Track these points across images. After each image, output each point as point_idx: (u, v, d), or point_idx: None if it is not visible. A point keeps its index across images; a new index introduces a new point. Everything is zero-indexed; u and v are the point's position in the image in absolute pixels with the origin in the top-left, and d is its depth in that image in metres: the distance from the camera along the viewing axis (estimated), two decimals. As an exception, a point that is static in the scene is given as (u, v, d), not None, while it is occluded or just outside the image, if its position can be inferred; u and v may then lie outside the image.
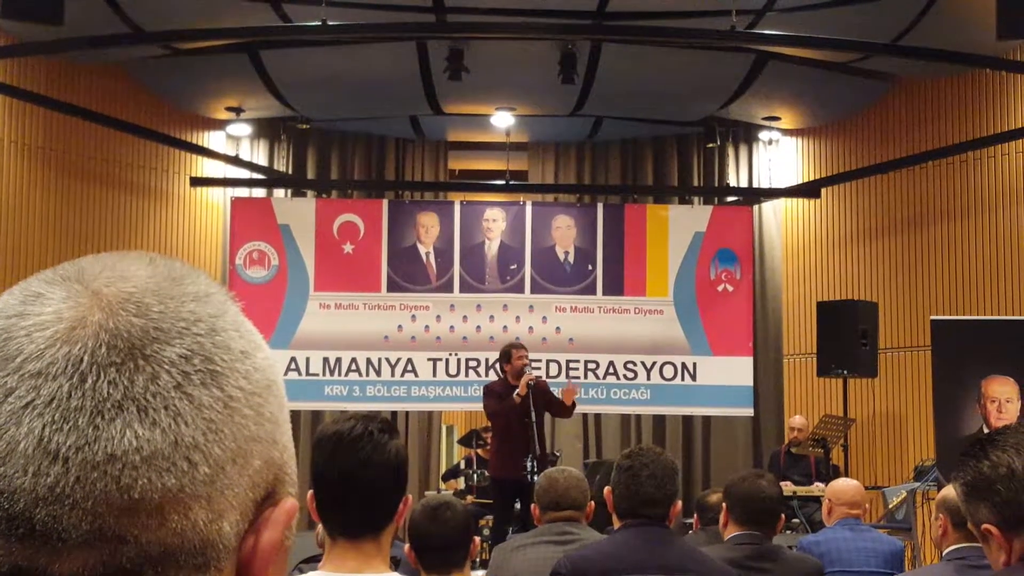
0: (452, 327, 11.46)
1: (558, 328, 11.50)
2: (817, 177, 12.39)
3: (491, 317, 11.50)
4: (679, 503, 3.72)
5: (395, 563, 2.79)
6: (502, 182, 12.54)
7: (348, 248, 11.55)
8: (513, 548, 4.32)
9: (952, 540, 4.12)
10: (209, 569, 0.64)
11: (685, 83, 11.41)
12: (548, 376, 10.86)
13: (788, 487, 9.72)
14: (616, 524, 3.72)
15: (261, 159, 12.71)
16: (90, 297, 0.64)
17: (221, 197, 12.32)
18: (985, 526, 2.26)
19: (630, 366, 11.45)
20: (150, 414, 0.62)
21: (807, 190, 12.28)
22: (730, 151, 12.88)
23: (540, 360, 10.92)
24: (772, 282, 12.63)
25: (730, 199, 12.70)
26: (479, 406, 9.23)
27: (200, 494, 0.63)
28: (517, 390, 8.53)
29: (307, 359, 11.20)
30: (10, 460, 0.61)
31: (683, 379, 11.46)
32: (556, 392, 9.27)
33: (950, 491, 4.30)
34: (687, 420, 12.50)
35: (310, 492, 2.31)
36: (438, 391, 11.42)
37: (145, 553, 0.62)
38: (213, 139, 12.48)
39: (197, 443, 0.63)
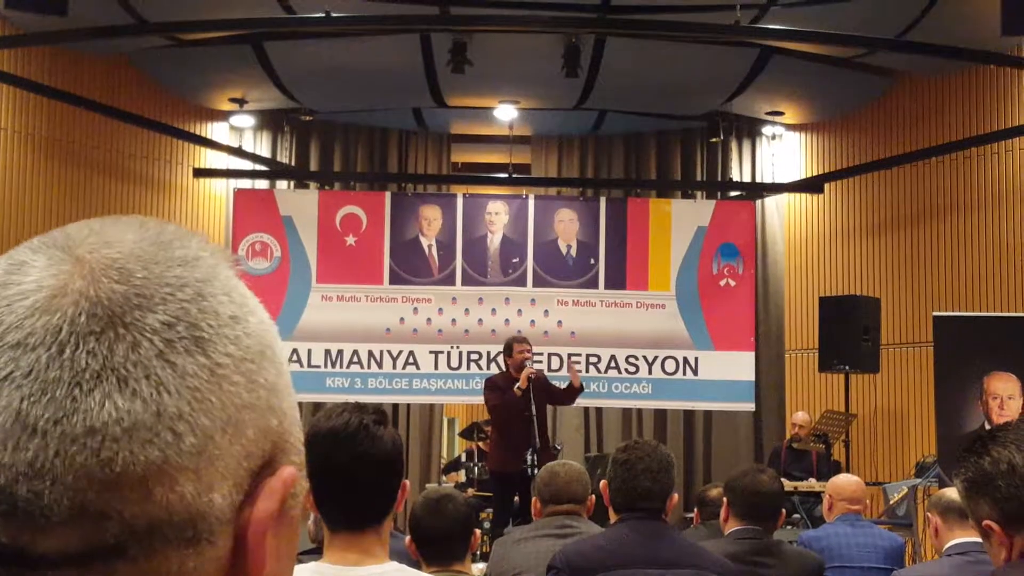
0: (454, 320, 11.46)
1: (560, 322, 11.50)
2: (820, 172, 12.38)
3: (493, 310, 11.50)
4: (676, 496, 3.71)
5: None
6: (505, 175, 12.53)
7: (350, 240, 11.56)
8: (514, 541, 4.32)
9: (947, 535, 4.13)
10: (200, 542, 0.62)
11: (689, 77, 11.40)
12: (549, 370, 10.87)
13: (789, 482, 9.72)
14: (613, 518, 3.72)
15: (264, 151, 12.71)
16: (72, 264, 0.62)
17: (224, 188, 12.33)
18: (986, 522, 2.26)
19: (632, 360, 11.45)
20: (130, 384, 0.60)
21: (810, 185, 12.27)
22: (733, 146, 12.86)
23: (542, 354, 10.92)
24: (774, 277, 12.63)
25: (733, 194, 12.68)
26: (480, 399, 9.24)
27: (187, 465, 0.61)
28: (517, 384, 8.53)
29: (309, 351, 11.21)
30: None
31: (685, 373, 11.46)
32: (559, 385, 9.28)
33: (944, 493, 4.32)
34: (688, 415, 12.50)
35: (306, 486, 2.29)
36: (439, 384, 11.43)
37: (130, 528, 0.60)
38: (216, 130, 12.48)
39: (182, 413, 0.61)
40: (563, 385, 9.32)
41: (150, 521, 0.60)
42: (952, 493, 4.16)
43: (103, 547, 0.60)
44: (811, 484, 10.00)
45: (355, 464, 2.25)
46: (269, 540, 0.66)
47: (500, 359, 10.91)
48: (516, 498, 8.64)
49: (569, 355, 10.91)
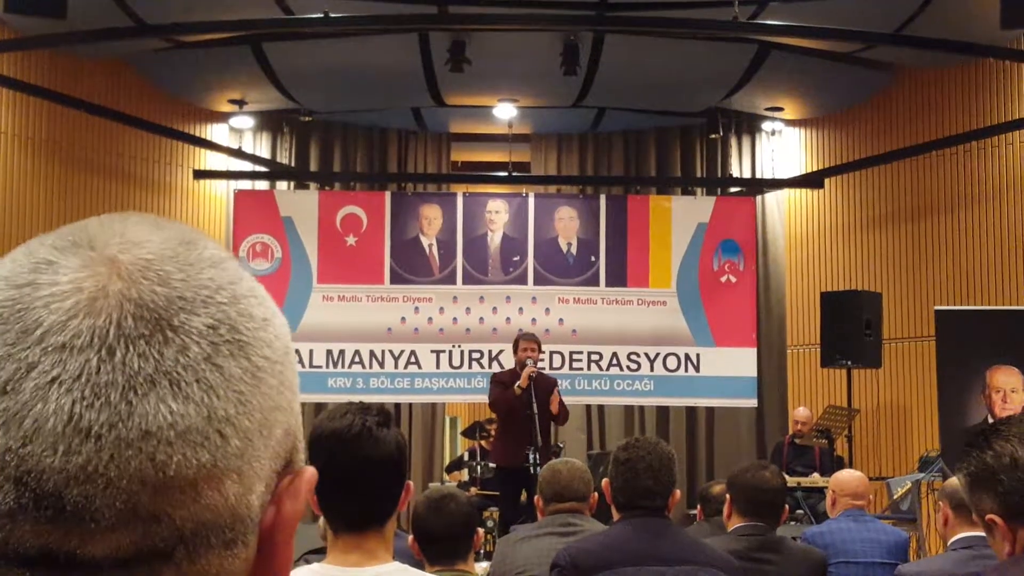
0: (455, 319, 11.46)
1: (561, 319, 11.50)
2: (820, 167, 12.38)
3: (494, 309, 11.50)
4: (678, 492, 3.71)
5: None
6: (505, 174, 12.53)
7: (351, 240, 11.56)
8: (517, 540, 4.32)
9: (956, 528, 4.12)
10: (237, 544, 0.63)
11: (688, 74, 11.39)
12: (551, 368, 10.87)
13: (792, 478, 9.72)
14: (615, 516, 3.72)
15: (264, 151, 12.71)
16: (107, 265, 0.62)
17: (224, 190, 12.33)
18: (989, 516, 2.26)
19: (633, 357, 11.45)
20: (183, 388, 0.60)
21: (810, 180, 12.27)
22: (733, 142, 12.86)
23: (543, 352, 10.92)
24: (775, 273, 12.62)
25: (733, 190, 12.68)
26: (482, 398, 9.25)
27: (232, 468, 0.62)
28: (518, 382, 8.53)
29: (310, 351, 11.21)
30: (38, 438, 0.58)
31: (686, 370, 11.46)
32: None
33: (953, 480, 4.31)
34: (691, 411, 12.50)
35: None
36: (441, 383, 11.43)
37: (179, 531, 0.60)
38: (216, 132, 12.48)
39: (229, 416, 0.61)
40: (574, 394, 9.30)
41: (197, 524, 0.61)
42: None
43: (152, 550, 0.60)
44: (814, 479, 10.00)
45: (358, 466, 2.24)
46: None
47: (501, 357, 10.95)
48: (523, 494, 8.62)
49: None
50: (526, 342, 8.88)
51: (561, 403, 8.83)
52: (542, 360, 9.15)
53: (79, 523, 0.59)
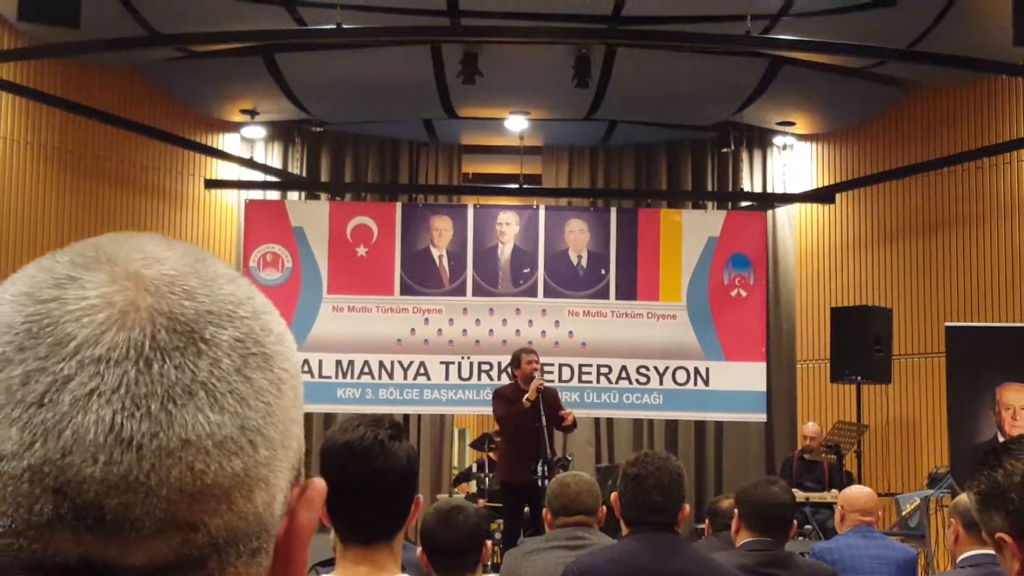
0: (465, 330, 11.46)
1: (571, 332, 11.49)
2: (832, 182, 12.37)
3: (504, 321, 11.50)
4: (687, 507, 3.70)
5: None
6: (515, 186, 12.54)
7: (361, 251, 11.57)
8: (525, 553, 4.32)
9: (965, 546, 4.10)
10: (262, 553, 0.65)
11: (699, 88, 11.39)
12: (560, 380, 10.86)
13: (801, 493, 9.69)
14: (624, 530, 3.71)
15: (275, 162, 12.74)
16: (132, 280, 0.63)
17: (235, 199, 12.35)
18: (999, 535, 2.25)
19: (643, 371, 11.44)
20: (218, 399, 0.62)
21: (821, 195, 12.26)
22: (744, 156, 12.86)
23: (552, 364, 10.92)
24: (786, 287, 12.61)
25: (744, 204, 12.67)
26: (491, 409, 9.23)
27: (261, 476, 0.63)
28: (527, 395, 8.52)
29: (320, 361, 11.21)
30: (77, 449, 0.59)
31: (696, 384, 11.44)
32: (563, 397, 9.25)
33: (964, 497, 4.30)
34: (700, 425, 12.48)
35: None
36: (450, 394, 11.43)
37: (214, 540, 0.62)
38: (227, 142, 12.51)
39: (259, 426, 0.63)
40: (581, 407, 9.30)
41: (231, 532, 0.63)
42: None
43: (188, 559, 0.61)
44: (824, 496, 9.97)
45: (369, 479, 2.24)
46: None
47: (510, 370, 10.93)
48: (527, 509, 8.62)
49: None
50: (529, 355, 8.88)
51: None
52: (548, 373, 9.15)
53: (119, 532, 0.60)
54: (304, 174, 12.82)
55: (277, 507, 0.65)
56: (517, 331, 11.40)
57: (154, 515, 0.60)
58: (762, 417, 11.68)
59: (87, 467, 0.59)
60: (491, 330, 11.48)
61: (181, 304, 0.63)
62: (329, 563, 3.97)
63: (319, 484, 0.69)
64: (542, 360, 9.10)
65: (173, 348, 0.62)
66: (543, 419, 8.35)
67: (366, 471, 2.24)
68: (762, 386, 11.52)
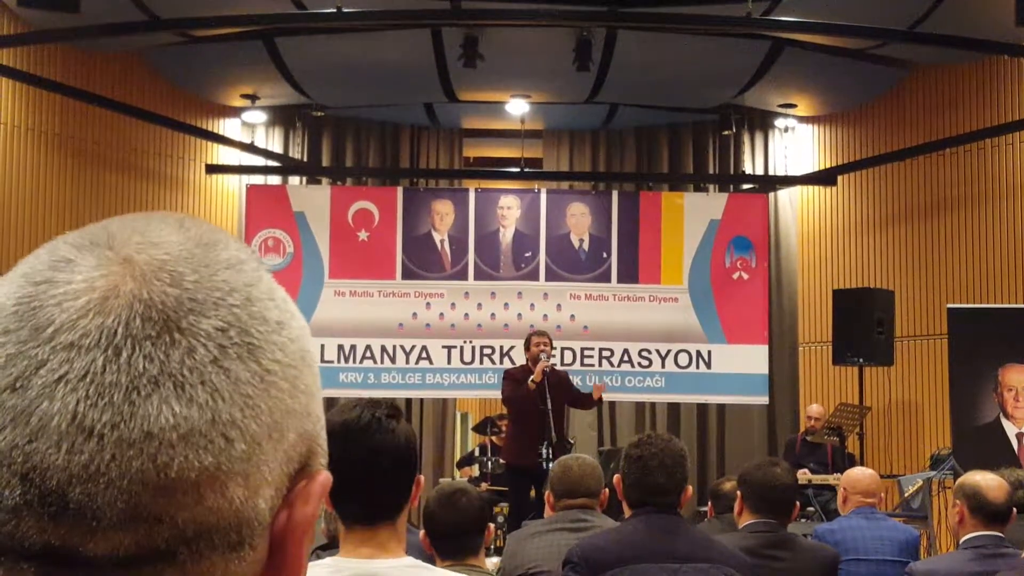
0: (466, 314, 11.46)
1: (573, 316, 11.49)
2: (833, 164, 12.35)
3: (505, 305, 11.50)
4: (690, 488, 3.71)
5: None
6: (517, 169, 12.53)
7: (363, 235, 11.56)
8: (528, 535, 4.33)
9: (969, 527, 4.11)
10: (244, 547, 0.63)
11: (700, 70, 11.37)
12: (563, 363, 10.86)
13: (804, 475, 9.71)
14: (627, 512, 3.71)
15: (276, 146, 12.73)
16: (122, 265, 0.62)
17: (236, 184, 12.34)
18: None
19: (645, 354, 11.44)
20: (187, 390, 0.60)
21: (823, 177, 12.24)
22: (746, 138, 12.84)
23: (555, 348, 10.92)
24: (788, 270, 12.60)
25: (746, 186, 12.66)
26: (494, 393, 9.26)
27: (237, 471, 0.61)
28: (532, 377, 8.54)
29: (322, 346, 11.21)
30: (43, 435, 0.59)
31: (698, 367, 11.45)
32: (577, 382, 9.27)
33: (968, 477, 4.30)
34: (702, 408, 12.49)
35: None
36: (452, 378, 11.44)
37: (180, 533, 0.60)
38: (228, 126, 12.49)
39: (234, 419, 0.61)
40: (585, 389, 9.34)
41: (200, 526, 0.61)
42: (984, 483, 4.13)
43: (154, 551, 0.60)
44: (827, 477, 9.98)
45: (368, 458, 2.25)
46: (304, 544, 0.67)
47: (512, 353, 10.95)
48: (532, 492, 8.63)
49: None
50: (539, 337, 8.91)
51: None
52: (554, 356, 9.16)
53: (81, 521, 0.59)
54: (305, 159, 12.81)
55: (262, 501, 0.63)
56: (519, 315, 11.40)
57: (115, 506, 0.59)
58: (764, 400, 11.69)
59: (51, 454, 0.59)
60: (493, 314, 11.48)
61: (164, 291, 0.62)
62: (324, 548, 3.98)
63: (321, 477, 0.68)
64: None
65: (145, 337, 0.60)
66: (548, 402, 8.36)
67: (365, 450, 2.24)
68: (764, 369, 11.52)
